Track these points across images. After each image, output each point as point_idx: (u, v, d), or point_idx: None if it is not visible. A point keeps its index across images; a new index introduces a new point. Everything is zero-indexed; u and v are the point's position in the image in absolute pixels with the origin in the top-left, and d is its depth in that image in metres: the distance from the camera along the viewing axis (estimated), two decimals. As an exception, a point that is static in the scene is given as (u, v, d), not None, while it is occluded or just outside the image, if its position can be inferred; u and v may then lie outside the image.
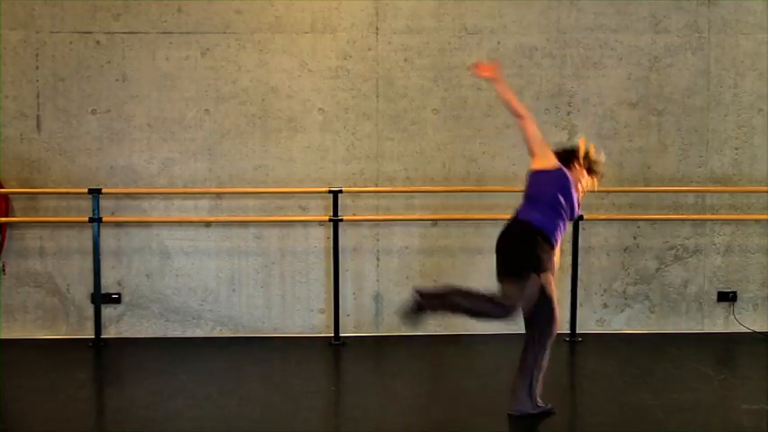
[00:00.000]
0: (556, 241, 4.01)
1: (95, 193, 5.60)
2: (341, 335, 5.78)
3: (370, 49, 5.88)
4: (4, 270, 5.80)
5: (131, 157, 5.84)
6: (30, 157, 5.80)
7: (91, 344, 5.65)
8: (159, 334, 5.91)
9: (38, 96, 5.79)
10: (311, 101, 5.88)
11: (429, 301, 3.96)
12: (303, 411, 4.33)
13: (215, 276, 5.93)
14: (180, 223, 5.89)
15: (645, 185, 6.00)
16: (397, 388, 4.77)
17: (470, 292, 4.00)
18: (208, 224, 5.91)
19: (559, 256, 4.21)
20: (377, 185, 5.93)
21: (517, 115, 4.03)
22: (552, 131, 5.90)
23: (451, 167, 5.94)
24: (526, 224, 3.96)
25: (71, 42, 5.77)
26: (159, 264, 5.90)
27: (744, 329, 6.03)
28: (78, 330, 5.86)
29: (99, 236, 5.64)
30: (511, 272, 3.92)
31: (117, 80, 5.81)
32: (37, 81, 5.78)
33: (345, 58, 5.88)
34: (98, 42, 5.79)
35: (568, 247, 5.78)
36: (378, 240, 5.96)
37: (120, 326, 5.90)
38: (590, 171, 4.15)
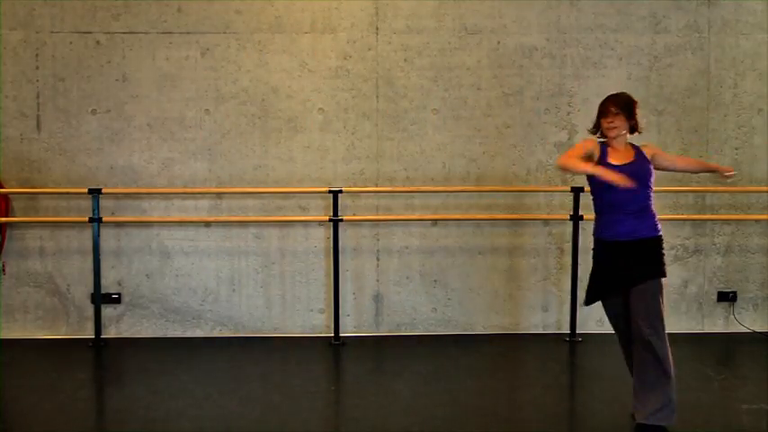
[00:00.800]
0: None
1: (95, 193, 5.61)
2: (341, 335, 5.78)
3: (370, 49, 5.89)
4: (4, 270, 5.80)
5: (131, 157, 5.84)
6: (30, 157, 5.80)
7: (91, 344, 5.66)
8: (159, 334, 5.91)
9: (38, 96, 5.79)
10: (311, 101, 5.88)
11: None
12: (303, 411, 4.33)
13: (215, 276, 5.93)
14: (180, 223, 5.89)
15: (645, 185, 5.99)
16: (397, 388, 4.77)
17: (665, 357, 4.03)
18: (208, 224, 5.91)
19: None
20: (377, 185, 5.93)
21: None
22: (552, 131, 5.90)
23: (451, 167, 5.94)
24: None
25: (71, 42, 5.78)
26: (159, 264, 5.90)
27: (744, 329, 6.02)
28: (78, 330, 5.87)
29: (99, 236, 5.64)
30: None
31: (117, 80, 5.81)
32: (37, 81, 5.78)
33: (345, 58, 5.88)
34: (98, 42, 5.79)
35: (568, 247, 5.79)
36: (378, 240, 5.96)
37: (120, 326, 5.90)
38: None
